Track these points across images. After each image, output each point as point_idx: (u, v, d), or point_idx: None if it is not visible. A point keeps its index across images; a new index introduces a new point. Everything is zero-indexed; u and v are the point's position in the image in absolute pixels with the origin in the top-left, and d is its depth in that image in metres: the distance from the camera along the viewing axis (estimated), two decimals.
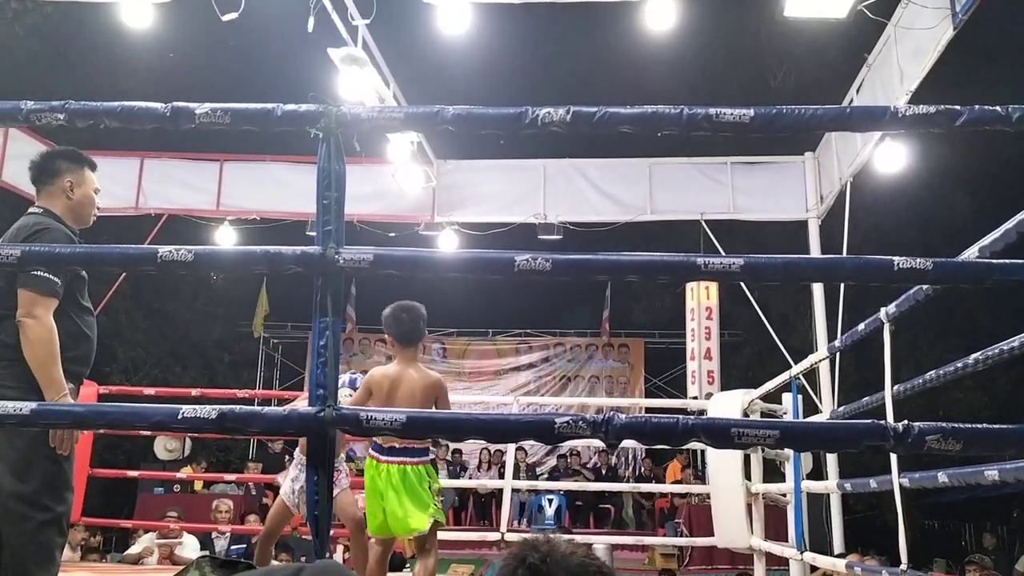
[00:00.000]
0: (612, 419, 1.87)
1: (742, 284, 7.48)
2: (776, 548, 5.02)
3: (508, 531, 6.09)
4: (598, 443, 1.90)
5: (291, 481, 3.93)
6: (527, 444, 10.50)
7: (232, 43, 10.11)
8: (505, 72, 11.94)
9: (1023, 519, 12.37)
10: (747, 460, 5.27)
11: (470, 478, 10.87)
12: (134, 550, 6.85)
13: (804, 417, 5.18)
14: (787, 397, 5.09)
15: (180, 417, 1.96)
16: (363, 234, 8.44)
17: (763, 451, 5.02)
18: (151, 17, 6.35)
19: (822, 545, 6.69)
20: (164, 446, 10.50)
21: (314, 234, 2.12)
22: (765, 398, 5.28)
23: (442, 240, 8.88)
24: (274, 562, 6.78)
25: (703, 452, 9.07)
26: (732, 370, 12.10)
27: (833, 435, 2.07)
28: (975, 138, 8.05)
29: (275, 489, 9.48)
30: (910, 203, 11.75)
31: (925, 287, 2.85)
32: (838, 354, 5.03)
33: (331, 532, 2.11)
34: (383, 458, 3.32)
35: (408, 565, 6.45)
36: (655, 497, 10.58)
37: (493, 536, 6.15)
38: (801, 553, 4.53)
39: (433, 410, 3.41)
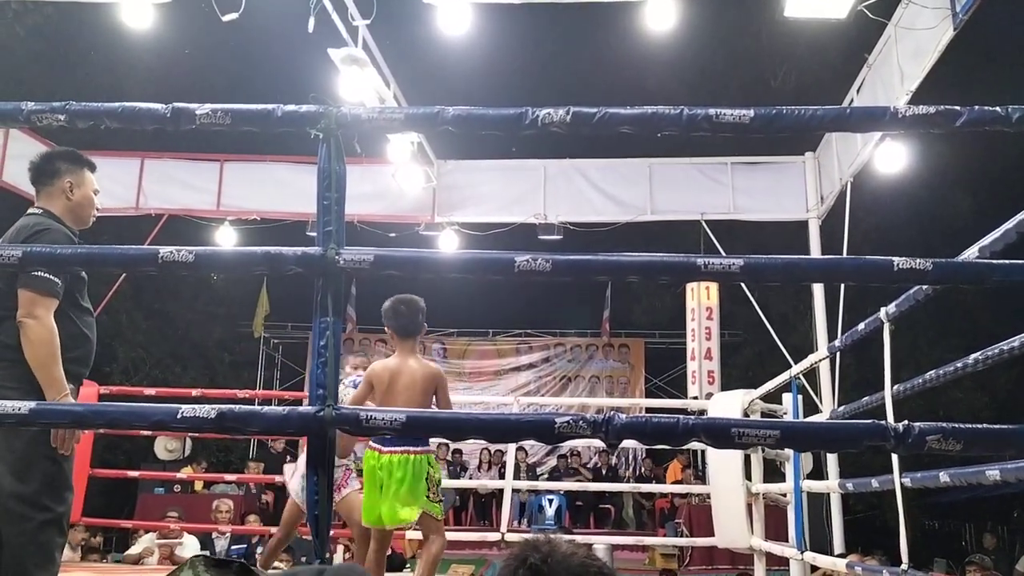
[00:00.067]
0: (612, 419, 1.87)
1: (742, 284, 7.48)
2: (776, 548, 5.02)
3: (508, 531, 6.09)
4: (598, 443, 1.90)
5: (301, 477, 3.93)
6: (527, 444, 10.50)
7: (232, 44, 10.12)
8: (505, 72, 11.95)
9: (1023, 519, 12.38)
10: (747, 460, 5.27)
11: (470, 478, 10.87)
12: (134, 550, 6.86)
13: (804, 417, 5.18)
14: (787, 397, 5.09)
15: (179, 416, 1.96)
16: (363, 234, 8.44)
17: (763, 451, 5.02)
18: (151, 17, 6.35)
19: (822, 545, 6.69)
20: (164, 446, 10.50)
21: (314, 234, 2.13)
22: (765, 398, 5.28)
23: (442, 240, 8.88)
24: (275, 563, 6.79)
25: (703, 452, 9.07)
26: (732, 370, 12.10)
27: (833, 435, 2.08)
28: (975, 138, 8.04)
29: (275, 489, 9.55)
30: (910, 203, 11.75)
31: (925, 287, 2.85)
32: (838, 354, 5.03)
33: (331, 532, 2.11)
34: (386, 448, 3.32)
35: (408, 565, 6.45)
36: (655, 497, 10.58)
37: (493, 536, 6.15)
38: (801, 553, 4.53)
39: (433, 409, 3.42)
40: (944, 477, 2.85)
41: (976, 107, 1.97)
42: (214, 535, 7.35)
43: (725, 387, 8.89)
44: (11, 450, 2.45)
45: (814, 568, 5.04)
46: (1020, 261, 1.94)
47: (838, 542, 7.24)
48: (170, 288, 13.34)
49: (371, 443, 3.39)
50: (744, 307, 9.66)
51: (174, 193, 8.93)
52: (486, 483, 10.01)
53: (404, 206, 8.85)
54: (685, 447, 8.34)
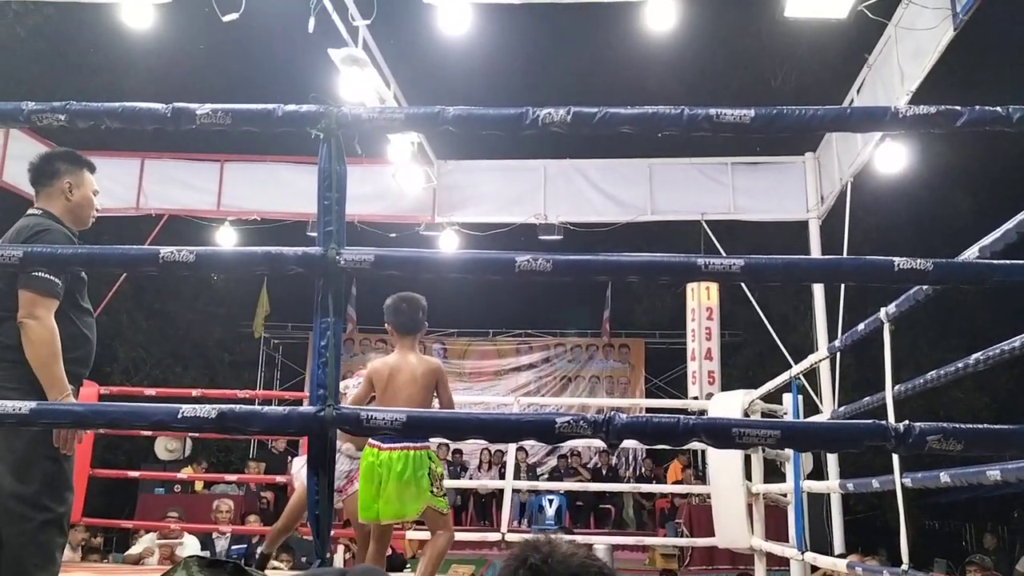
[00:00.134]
0: (613, 419, 1.87)
1: (742, 284, 7.48)
2: (777, 548, 5.01)
3: (509, 531, 6.09)
4: (599, 443, 1.91)
5: None
6: (528, 444, 10.50)
7: (233, 44, 10.11)
8: (505, 72, 11.95)
9: (1023, 519, 12.38)
10: (748, 460, 5.27)
11: (471, 478, 10.88)
12: (135, 550, 6.86)
13: (804, 417, 5.18)
14: (787, 397, 5.09)
15: (180, 416, 1.96)
16: (364, 234, 8.44)
17: (764, 451, 5.02)
18: (151, 18, 6.35)
19: (823, 545, 6.69)
20: (165, 446, 10.50)
21: (315, 235, 2.13)
22: (766, 398, 5.28)
23: (443, 240, 8.88)
24: (275, 563, 6.79)
25: (703, 452, 9.08)
26: (732, 370, 12.10)
27: (834, 435, 2.08)
28: (975, 138, 8.05)
29: (276, 489, 9.54)
30: (910, 203, 11.75)
31: (925, 287, 2.85)
32: (838, 354, 5.03)
33: (331, 532, 2.11)
34: (385, 445, 3.32)
35: (409, 566, 6.45)
36: (656, 497, 10.58)
37: (494, 536, 6.16)
38: (802, 553, 4.52)
39: (434, 409, 3.42)
40: (944, 477, 2.85)
41: (977, 107, 1.97)
42: (214, 535, 7.35)
43: (725, 387, 8.89)
44: (11, 450, 2.45)
45: (814, 568, 5.04)
46: (1020, 261, 1.94)
47: (838, 542, 7.24)
48: (170, 288, 13.34)
49: (370, 440, 3.40)
50: (744, 307, 9.66)
51: (174, 193, 8.93)
52: (486, 483, 10.02)
53: (404, 206, 8.85)
54: (685, 447, 8.34)
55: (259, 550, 3.98)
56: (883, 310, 3.31)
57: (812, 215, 8.33)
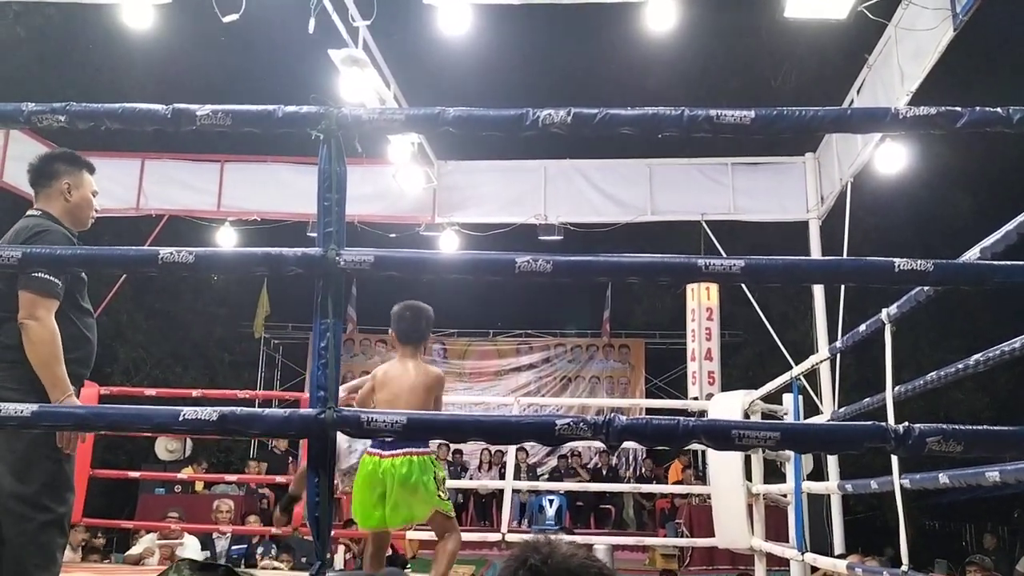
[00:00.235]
0: (613, 421, 1.87)
1: (743, 285, 7.48)
2: (777, 549, 5.01)
3: (509, 532, 6.09)
4: (599, 444, 1.90)
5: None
6: (528, 445, 10.49)
7: (233, 45, 10.12)
8: (505, 73, 11.95)
9: (1023, 520, 12.38)
10: (748, 461, 5.27)
11: (471, 479, 10.88)
12: (135, 551, 6.86)
13: (805, 418, 5.18)
14: (788, 398, 5.09)
15: (181, 419, 1.96)
16: (364, 235, 8.44)
17: (764, 452, 5.02)
18: (151, 18, 6.35)
19: (823, 546, 6.69)
20: (165, 447, 10.51)
21: (315, 235, 2.13)
22: (766, 399, 5.27)
23: (443, 241, 8.88)
24: (275, 563, 6.81)
25: (704, 452, 9.08)
26: (733, 371, 12.11)
27: (834, 437, 2.08)
28: (975, 139, 8.05)
29: (276, 489, 9.54)
30: (910, 203, 11.75)
31: (926, 288, 2.85)
32: (839, 355, 5.03)
33: (331, 532, 2.11)
34: (386, 452, 3.31)
35: (410, 566, 6.45)
36: (656, 498, 10.58)
37: (494, 537, 6.16)
38: (802, 554, 4.53)
39: (433, 411, 3.42)
40: (944, 478, 2.85)
41: (977, 108, 1.97)
42: (215, 535, 7.35)
43: (725, 388, 8.89)
44: (12, 451, 2.45)
45: (814, 569, 5.03)
46: (1021, 263, 1.94)
47: (838, 543, 7.24)
48: (171, 289, 13.34)
49: (370, 448, 3.39)
50: (744, 307, 9.66)
51: (175, 194, 8.93)
52: (486, 483, 10.02)
53: (404, 207, 8.85)
54: (686, 447, 8.33)
55: (290, 490, 3.97)
56: (885, 311, 3.31)
57: (812, 215, 8.33)
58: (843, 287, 6.91)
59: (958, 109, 1.97)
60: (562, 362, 14.14)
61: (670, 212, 8.69)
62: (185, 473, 9.27)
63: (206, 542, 7.21)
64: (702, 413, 6.61)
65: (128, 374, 12.40)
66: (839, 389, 7.33)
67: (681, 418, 1.90)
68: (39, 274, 2.45)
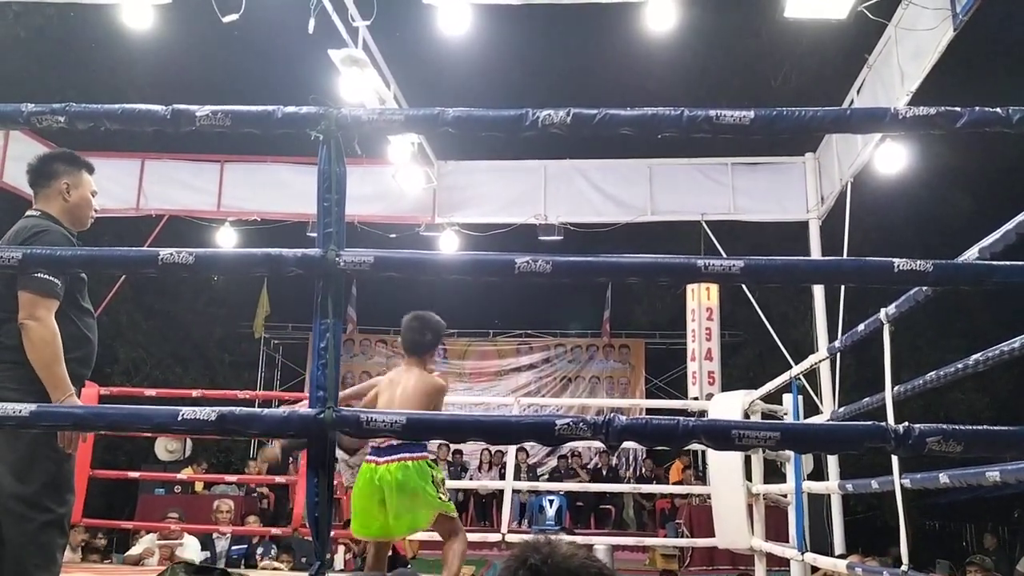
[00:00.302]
0: (613, 421, 1.87)
1: (743, 285, 7.48)
2: (777, 549, 5.01)
3: (509, 532, 6.08)
4: (599, 444, 1.90)
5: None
6: (528, 445, 10.49)
7: (232, 45, 10.12)
8: (505, 73, 11.95)
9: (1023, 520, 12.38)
10: (748, 461, 5.27)
11: (471, 479, 10.88)
12: (135, 551, 6.85)
13: (805, 417, 5.18)
14: (788, 398, 5.09)
15: (180, 419, 1.96)
16: (364, 235, 8.45)
17: (764, 452, 5.02)
18: (151, 18, 6.35)
19: (823, 546, 6.69)
20: (165, 447, 10.51)
21: (315, 236, 2.13)
22: (766, 399, 5.27)
23: (443, 241, 8.88)
24: (275, 563, 6.80)
25: (704, 452, 9.07)
26: (733, 370, 12.10)
27: (834, 437, 2.08)
28: (975, 139, 8.04)
29: (276, 488, 9.54)
30: (910, 203, 11.75)
31: (925, 288, 2.85)
32: (838, 354, 5.03)
33: (331, 533, 2.11)
34: (382, 459, 3.32)
35: (410, 566, 6.45)
36: (656, 498, 10.59)
37: (494, 537, 6.15)
38: (802, 554, 4.52)
39: (433, 411, 3.41)
40: (944, 478, 2.85)
41: (976, 108, 1.97)
42: (215, 536, 7.35)
43: (725, 388, 8.89)
44: (12, 451, 2.45)
45: (814, 569, 5.03)
46: (1020, 263, 1.94)
47: (838, 543, 7.24)
48: (171, 289, 13.34)
49: (368, 456, 3.40)
50: (744, 307, 9.66)
51: (175, 194, 8.94)
52: (487, 484, 10.02)
53: (404, 207, 8.85)
54: (686, 447, 8.33)
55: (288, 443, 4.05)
56: (883, 311, 3.31)
57: (812, 215, 8.33)
58: (843, 287, 6.92)
59: (958, 109, 1.97)
60: (562, 362, 14.14)
61: (670, 212, 8.70)
62: (185, 473, 9.27)
63: (206, 542, 7.21)
64: (702, 413, 6.61)
65: (128, 374, 12.40)
66: (839, 389, 7.33)
67: (681, 418, 1.89)
68: (39, 274, 2.45)
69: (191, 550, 6.70)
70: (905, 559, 3.22)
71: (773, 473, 5.71)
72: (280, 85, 10.15)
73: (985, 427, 1.85)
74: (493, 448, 10.67)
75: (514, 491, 7.67)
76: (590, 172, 8.81)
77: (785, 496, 5.04)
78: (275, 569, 6.62)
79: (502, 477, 8.73)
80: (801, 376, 4.84)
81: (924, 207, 12.12)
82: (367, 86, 6.52)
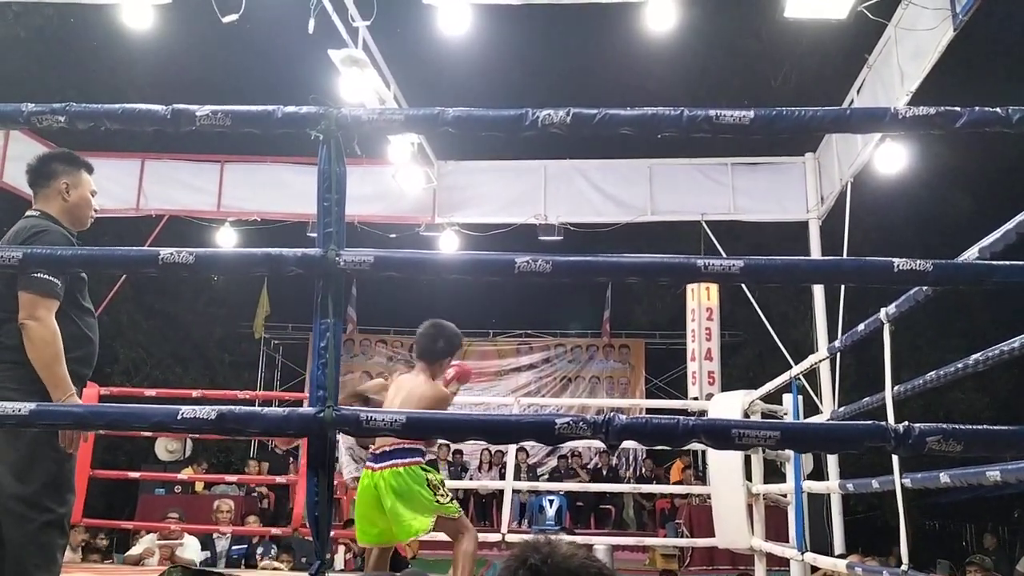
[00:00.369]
0: (612, 420, 1.87)
1: (743, 285, 7.48)
2: (777, 549, 5.01)
3: (509, 532, 6.09)
4: (599, 444, 1.90)
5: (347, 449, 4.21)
6: (528, 445, 10.49)
7: (232, 45, 10.12)
8: (505, 73, 11.95)
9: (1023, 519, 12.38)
10: (748, 461, 5.27)
11: (471, 479, 10.88)
12: (135, 551, 6.85)
13: (804, 417, 5.17)
14: (788, 398, 5.09)
15: (179, 418, 1.96)
16: (364, 235, 8.45)
17: (764, 452, 5.02)
18: (151, 18, 6.35)
19: (823, 546, 6.68)
20: (165, 447, 10.50)
21: (315, 236, 2.13)
22: (766, 399, 5.27)
23: (443, 241, 8.88)
24: (275, 563, 6.80)
25: (704, 452, 9.07)
26: (733, 370, 12.10)
27: (834, 436, 2.07)
28: (975, 139, 8.04)
29: (276, 489, 9.54)
30: (910, 203, 11.75)
31: (925, 288, 2.85)
32: (838, 354, 5.03)
33: (331, 532, 2.11)
34: (377, 466, 3.34)
35: (410, 566, 6.44)
36: (656, 498, 10.58)
37: (494, 537, 6.15)
38: (802, 554, 4.52)
39: (431, 412, 3.41)
40: (944, 478, 2.85)
41: (976, 108, 1.97)
42: (215, 536, 7.35)
43: (725, 388, 8.88)
44: (13, 450, 2.45)
45: (814, 569, 5.03)
46: (1020, 262, 1.94)
47: (838, 543, 7.24)
48: (171, 289, 13.34)
49: (367, 462, 3.42)
50: (744, 307, 9.66)
51: (175, 194, 8.94)
52: (487, 484, 10.02)
53: (404, 207, 8.85)
54: (686, 448, 8.33)
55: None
56: (883, 311, 3.31)
57: (812, 215, 8.33)
58: (843, 287, 6.92)
59: (957, 109, 1.97)
60: (562, 362, 14.14)
61: (670, 212, 8.70)
62: (185, 473, 9.28)
63: (206, 542, 7.21)
64: (702, 413, 6.61)
65: (128, 375, 12.39)
66: (839, 389, 7.33)
67: (681, 417, 1.89)
68: (38, 274, 2.45)
69: (191, 550, 6.70)
70: (905, 559, 3.22)
71: (773, 473, 5.70)
72: (280, 85, 10.15)
73: (985, 427, 1.85)
74: (493, 448, 10.67)
75: (514, 491, 7.67)
76: (590, 172, 8.81)
77: (785, 496, 5.04)
78: (275, 569, 6.62)
79: (502, 477, 8.73)
80: (801, 376, 4.84)
81: (924, 207, 12.12)
82: (367, 86, 6.52)
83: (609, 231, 8.64)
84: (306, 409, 2.02)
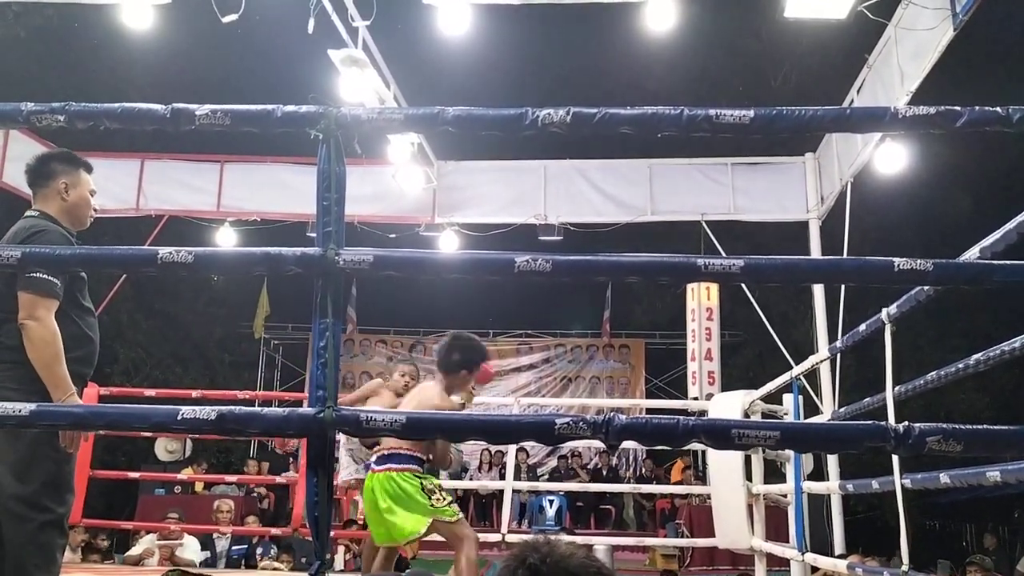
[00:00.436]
0: (612, 420, 1.86)
1: (743, 285, 7.48)
2: (777, 549, 5.01)
3: (509, 532, 6.09)
4: (599, 444, 1.90)
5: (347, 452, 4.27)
6: (528, 445, 10.49)
7: (232, 45, 10.11)
8: (505, 72, 11.94)
9: None
10: (748, 461, 5.26)
11: (471, 479, 10.88)
12: (135, 551, 6.85)
13: (805, 417, 5.17)
14: (788, 398, 5.09)
15: (179, 418, 1.96)
16: (363, 235, 8.45)
17: (764, 452, 5.02)
18: (151, 18, 6.35)
19: (823, 546, 6.69)
20: (165, 447, 10.50)
21: (314, 235, 2.12)
22: (766, 399, 5.27)
23: (443, 241, 8.88)
24: (275, 563, 6.80)
25: (704, 453, 9.07)
26: (733, 370, 12.10)
27: (834, 436, 2.07)
28: (975, 139, 8.05)
29: (276, 489, 9.54)
30: (910, 203, 11.75)
31: (926, 288, 2.85)
32: (839, 354, 5.02)
33: (331, 532, 2.11)
34: (377, 468, 3.37)
35: (411, 567, 6.44)
36: (656, 498, 10.58)
37: (494, 537, 6.15)
38: (802, 554, 4.52)
39: (432, 411, 3.41)
40: (945, 478, 2.84)
41: (976, 108, 1.96)
42: (215, 536, 7.35)
43: (725, 388, 8.88)
44: (13, 451, 2.45)
45: (815, 569, 5.03)
46: (1021, 262, 1.93)
47: (839, 543, 7.24)
48: (171, 289, 13.35)
49: (371, 464, 3.45)
50: (744, 307, 9.66)
51: (174, 194, 8.94)
52: (487, 484, 10.01)
53: (404, 207, 8.85)
54: (686, 448, 8.33)
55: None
56: (885, 311, 3.30)
57: (812, 215, 8.33)
58: (843, 287, 6.91)
59: (957, 109, 1.96)
60: (562, 362, 14.13)
61: (670, 212, 8.70)
62: (185, 474, 9.27)
63: (206, 543, 7.21)
64: (702, 413, 6.60)
65: (128, 375, 12.39)
66: (839, 389, 7.33)
67: (681, 417, 1.89)
68: (38, 274, 2.45)
69: (191, 550, 6.70)
70: (905, 559, 3.22)
71: (773, 473, 5.70)
72: (280, 85, 10.15)
73: (985, 427, 1.85)
74: (493, 448, 10.66)
75: (514, 491, 7.66)
76: (590, 172, 8.80)
77: (785, 496, 5.04)
78: (275, 569, 6.62)
79: (502, 477, 8.72)
80: (801, 376, 4.83)
81: (924, 207, 12.12)
82: (367, 86, 6.52)
83: (609, 231, 8.64)
84: (306, 409, 2.02)
